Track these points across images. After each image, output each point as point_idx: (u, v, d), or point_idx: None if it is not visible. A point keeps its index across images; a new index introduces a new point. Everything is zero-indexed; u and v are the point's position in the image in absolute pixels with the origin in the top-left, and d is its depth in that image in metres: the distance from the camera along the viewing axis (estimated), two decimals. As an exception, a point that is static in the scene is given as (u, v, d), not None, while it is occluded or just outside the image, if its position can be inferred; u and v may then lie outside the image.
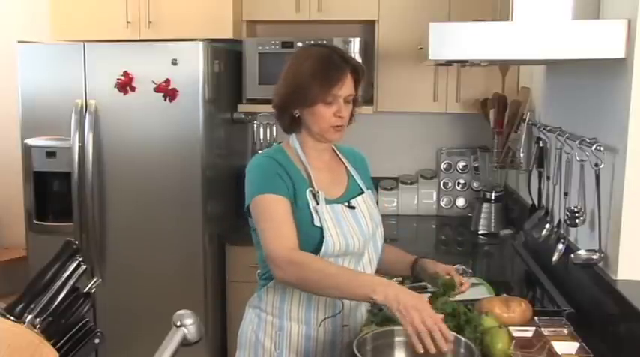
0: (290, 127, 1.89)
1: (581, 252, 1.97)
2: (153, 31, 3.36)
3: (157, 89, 3.09)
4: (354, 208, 1.88)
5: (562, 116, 2.44)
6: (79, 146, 3.15)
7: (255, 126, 3.69)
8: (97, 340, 1.20)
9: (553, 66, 2.61)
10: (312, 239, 1.78)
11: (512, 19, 1.94)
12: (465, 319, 1.70)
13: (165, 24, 3.36)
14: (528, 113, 2.82)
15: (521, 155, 2.86)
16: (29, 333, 1.06)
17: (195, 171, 3.15)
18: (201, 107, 3.11)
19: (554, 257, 2.19)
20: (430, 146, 3.81)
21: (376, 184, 3.64)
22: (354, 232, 1.84)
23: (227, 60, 3.42)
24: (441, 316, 1.54)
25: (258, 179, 1.82)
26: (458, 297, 1.84)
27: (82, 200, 3.18)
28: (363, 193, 1.94)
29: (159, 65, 3.09)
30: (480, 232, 3.32)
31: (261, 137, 3.67)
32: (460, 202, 3.69)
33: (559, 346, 1.63)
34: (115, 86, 3.12)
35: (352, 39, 3.36)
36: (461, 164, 3.71)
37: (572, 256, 1.98)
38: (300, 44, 3.29)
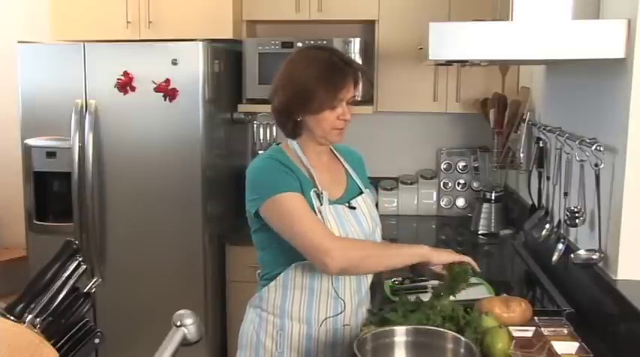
0: (293, 132, 1.88)
1: (581, 252, 1.97)
2: (153, 31, 3.36)
3: (157, 89, 3.09)
4: (354, 208, 1.88)
5: (562, 116, 2.44)
6: (79, 146, 3.15)
7: (255, 126, 3.69)
8: (97, 340, 1.20)
9: (553, 66, 2.61)
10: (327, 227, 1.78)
11: (512, 19, 1.94)
12: (465, 322, 1.70)
13: (165, 24, 3.36)
14: (528, 113, 2.82)
15: (521, 155, 2.86)
16: (29, 333, 1.06)
17: (195, 171, 3.15)
18: (201, 107, 3.11)
19: (554, 257, 2.19)
20: (430, 146, 3.80)
21: (376, 184, 3.65)
22: (355, 232, 1.84)
23: (227, 60, 3.42)
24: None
25: (268, 179, 1.81)
26: (458, 296, 1.84)
27: (82, 200, 3.18)
28: (362, 192, 1.95)
29: (159, 65, 3.09)
30: (479, 232, 3.32)
31: (261, 137, 3.67)
32: (460, 202, 3.69)
33: (559, 346, 1.63)
34: (115, 86, 3.12)
35: (352, 39, 3.36)
36: (461, 164, 3.71)
37: (572, 256, 1.98)
38: (300, 44, 3.29)
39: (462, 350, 1.56)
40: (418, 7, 3.31)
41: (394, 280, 2.24)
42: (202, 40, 3.12)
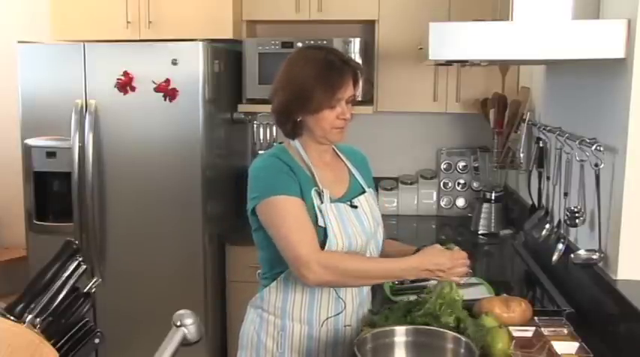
0: (293, 132, 1.88)
1: (581, 252, 1.97)
2: (153, 31, 3.36)
3: (157, 89, 3.09)
4: (356, 207, 1.88)
5: (562, 116, 2.44)
6: (79, 146, 3.15)
7: (255, 126, 3.69)
8: (97, 340, 1.20)
9: (553, 66, 2.61)
10: (316, 238, 1.78)
11: (512, 19, 1.94)
12: (465, 327, 1.70)
13: (165, 24, 3.36)
14: (528, 113, 2.82)
15: (521, 155, 2.86)
16: (29, 333, 1.06)
17: (195, 171, 3.15)
18: (201, 107, 3.11)
19: (554, 257, 2.19)
20: (430, 146, 3.80)
21: (376, 184, 3.63)
22: (356, 231, 1.84)
23: (227, 60, 3.41)
24: (461, 254, 1.81)
25: (268, 180, 1.81)
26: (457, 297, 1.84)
27: (82, 200, 3.18)
28: (364, 192, 1.95)
29: (159, 65, 3.09)
30: (479, 232, 3.32)
31: (261, 137, 3.67)
32: (460, 202, 3.69)
33: (559, 346, 1.63)
34: (115, 86, 3.12)
35: (352, 39, 3.36)
36: (461, 164, 3.71)
37: (572, 256, 1.98)
38: (300, 44, 3.28)
39: (462, 350, 1.57)
40: (418, 7, 3.31)
41: (395, 282, 2.24)
42: (202, 40, 3.12)
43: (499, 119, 3.20)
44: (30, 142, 3.24)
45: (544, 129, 2.42)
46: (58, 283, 1.14)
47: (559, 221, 2.25)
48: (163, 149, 3.15)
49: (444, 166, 3.72)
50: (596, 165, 1.89)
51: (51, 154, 3.23)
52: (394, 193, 3.72)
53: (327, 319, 1.86)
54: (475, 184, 3.68)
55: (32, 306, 1.11)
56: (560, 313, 1.96)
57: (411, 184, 3.74)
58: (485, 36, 1.80)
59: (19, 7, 3.91)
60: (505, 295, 2.04)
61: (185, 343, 1.17)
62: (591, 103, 2.11)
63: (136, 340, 2.99)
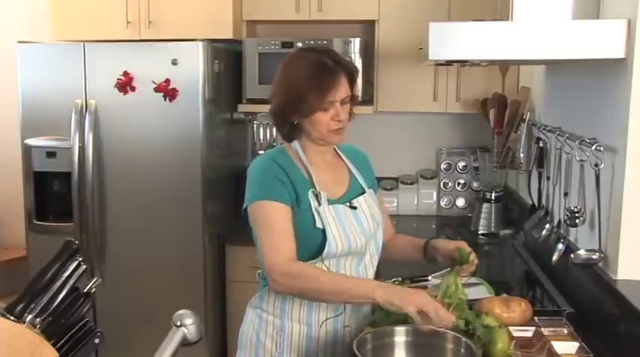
0: (290, 135, 1.89)
1: (581, 252, 1.97)
2: (153, 31, 3.36)
3: (157, 89, 3.09)
4: (355, 208, 1.88)
5: (562, 116, 2.44)
6: (79, 146, 3.15)
7: (255, 126, 3.69)
8: (97, 340, 1.20)
9: (553, 66, 2.61)
10: (314, 241, 1.78)
11: (512, 19, 1.94)
12: (474, 329, 1.69)
13: (165, 24, 3.36)
14: (528, 113, 2.82)
15: (521, 155, 2.86)
16: (29, 333, 1.06)
17: (195, 171, 3.15)
18: (201, 107, 3.11)
19: (554, 257, 2.19)
20: (430, 146, 3.80)
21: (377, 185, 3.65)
22: (356, 232, 1.84)
23: (227, 60, 3.41)
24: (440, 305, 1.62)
25: (258, 183, 1.82)
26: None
27: (82, 200, 3.18)
28: (364, 192, 1.94)
29: (159, 65, 3.09)
30: (479, 232, 3.32)
31: (261, 137, 3.67)
32: (460, 202, 3.69)
33: (559, 346, 1.63)
34: (115, 86, 3.12)
35: (352, 39, 3.36)
36: (461, 164, 3.71)
37: (572, 256, 1.98)
38: (300, 44, 3.28)
39: (462, 350, 1.56)
40: (418, 7, 3.31)
41: (394, 280, 2.24)
42: (202, 40, 3.12)
43: (499, 119, 3.20)
44: (30, 142, 3.24)
45: (544, 129, 2.42)
46: (58, 283, 1.14)
47: (559, 221, 2.25)
48: (163, 149, 3.15)
49: (444, 166, 3.72)
50: (596, 165, 1.89)
51: (51, 154, 3.23)
52: (394, 193, 3.72)
53: (326, 319, 1.86)
54: (475, 184, 3.67)
55: (32, 306, 1.11)
56: (560, 313, 1.96)
57: (411, 184, 3.74)
58: (485, 36, 1.80)
59: (19, 7, 3.91)
60: (505, 295, 2.04)
61: (185, 343, 1.17)
62: (591, 103, 2.11)
63: (136, 340, 2.99)
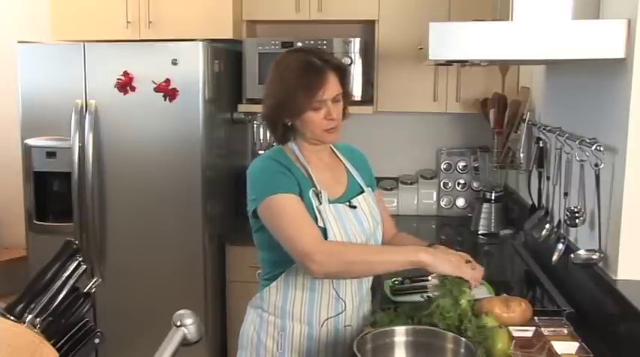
0: (284, 137, 1.88)
1: (581, 252, 1.97)
2: (153, 31, 3.36)
3: (157, 89, 3.09)
4: (355, 207, 1.88)
5: (562, 116, 2.44)
6: (79, 146, 3.15)
7: (255, 126, 3.69)
8: (97, 340, 1.20)
9: (553, 66, 2.61)
10: (318, 230, 1.78)
11: (512, 19, 1.94)
12: (465, 328, 1.69)
13: (165, 24, 3.36)
14: (528, 113, 2.82)
15: (521, 155, 2.86)
16: (29, 333, 1.06)
17: (195, 171, 3.15)
18: (201, 107, 3.11)
19: (554, 257, 2.19)
20: (430, 146, 3.80)
21: (376, 183, 3.64)
22: (356, 231, 1.84)
23: (227, 60, 3.42)
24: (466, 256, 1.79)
25: (266, 180, 1.81)
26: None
27: (82, 200, 3.18)
28: (363, 191, 1.94)
29: (159, 65, 3.09)
30: (479, 232, 3.32)
31: (261, 137, 3.67)
32: (460, 202, 3.69)
33: (559, 346, 1.63)
34: (115, 86, 3.12)
35: (352, 39, 3.36)
36: (461, 164, 3.71)
37: (572, 256, 1.98)
38: (300, 44, 3.29)
39: (462, 350, 1.57)
40: (418, 7, 3.31)
41: (394, 280, 2.24)
42: (202, 40, 3.12)
43: (499, 119, 3.20)
44: (30, 142, 3.24)
45: (544, 129, 2.42)
46: (58, 283, 1.14)
47: (559, 221, 2.25)
48: (163, 149, 3.15)
49: (444, 166, 3.72)
50: (596, 165, 1.89)
51: (51, 154, 3.23)
52: (394, 193, 3.72)
53: (327, 319, 1.86)
54: (475, 184, 3.67)
55: (32, 306, 1.11)
56: (560, 313, 1.96)
57: (411, 184, 3.74)
58: (485, 36, 1.80)
59: (19, 7, 3.91)
60: (505, 295, 2.04)
61: (185, 343, 1.17)
62: (591, 103, 2.11)
63: (136, 340, 2.99)
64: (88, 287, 1.21)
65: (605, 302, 1.86)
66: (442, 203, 3.71)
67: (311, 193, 1.82)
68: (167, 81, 3.08)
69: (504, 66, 3.29)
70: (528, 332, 1.74)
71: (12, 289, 2.38)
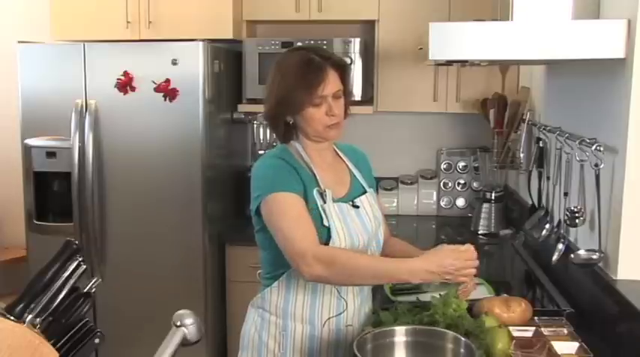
0: (285, 136, 1.88)
1: (581, 252, 1.97)
2: (153, 31, 3.36)
3: (157, 89, 3.09)
4: (358, 207, 1.88)
5: (562, 116, 2.44)
6: (79, 146, 3.15)
7: (255, 126, 3.69)
8: (97, 340, 1.20)
9: (553, 66, 2.61)
10: (320, 239, 1.77)
11: (512, 19, 1.94)
12: (465, 330, 1.69)
13: (165, 24, 3.36)
14: (528, 113, 2.82)
15: (521, 155, 2.86)
16: (29, 333, 1.06)
17: (195, 171, 3.15)
18: (201, 107, 3.11)
19: (554, 257, 2.19)
20: (430, 146, 3.80)
21: (376, 184, 3.64)
22: (359, 230, 1.84)
23: (227, 60, 3.42)
24: (470, 254, 1.72)
25: (270, 178, 1.81)
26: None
27: (82, 200, 3.18)
28: (365, 192, 1.95)
29: (159, 65, 3.09)
30: (479, 232, 3.32)
31: (261, 137, 3.67)
32: (460, 202, 3.69)
33: (559, 346, 1.63)
34: (115, 86, 3.12)
35: (352, 39, 3.36)
36: (461, 164, 3.71)
37: (572, 256, 1.98)
38: (300, 44, 3.28)
39: (462, 350, 1.56)
40: (418, 7, 3.31)
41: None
42: (202, 40, 3.12)
43: (499, 119, 3.20)
44: (30, 142, 3.24)
45: (544, 129, 2.42)
46: (58, 283, 1.14)
47: (559, 221, 2.25)
48: (163, 149, 3.15)
49: (444, 166, 3.72)
50: (596, 165, 1.89)
51: (51, 154, 3.23)
52: (394, 193, 3.72)
53: (328, 319, 1.86)
54: (475, 184, 3.68)
55: (32, 306, 1.10)
56: (560, 313, 1.96)
57: (411, 184, 3.74)
58: (485, 36, 1.80)
59: (19, 7, 3.91)
60: (505, 295, 2.05)
61: (185, 343, 1.17)
62: (591, 103, 2.11)
63: (136, 340, 2.98)
64: (88, 287, 1.20)
65: (605, 302, 1.86)
66: (442, 203, 3.71)
67: (315, 192, 1.82)
68: (167, 81, 3.08)
69: (504, 66, 3.30)
70: (528, 332, 1.74)
71: (12, 289, 2.38)
